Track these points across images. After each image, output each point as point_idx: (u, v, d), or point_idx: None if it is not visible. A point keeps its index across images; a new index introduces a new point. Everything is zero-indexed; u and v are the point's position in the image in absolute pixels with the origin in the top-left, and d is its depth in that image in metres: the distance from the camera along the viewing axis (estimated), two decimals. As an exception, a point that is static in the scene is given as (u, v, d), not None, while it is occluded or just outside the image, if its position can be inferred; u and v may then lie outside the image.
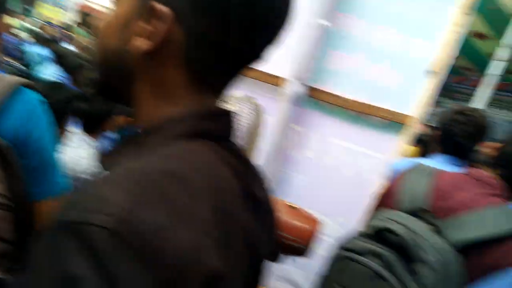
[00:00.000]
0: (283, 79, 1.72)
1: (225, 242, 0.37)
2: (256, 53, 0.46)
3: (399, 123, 1.71)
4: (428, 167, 1.26)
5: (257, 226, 0.46)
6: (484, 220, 1.03)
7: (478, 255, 1.03)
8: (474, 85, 5.91)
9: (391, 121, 1.72)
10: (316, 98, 1.78)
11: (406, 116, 1.68)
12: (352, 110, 1.74)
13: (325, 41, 1.74)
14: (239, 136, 1.13)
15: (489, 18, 7.57)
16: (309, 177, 1.83)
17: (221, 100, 0.48)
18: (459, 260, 1.03)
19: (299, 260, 1.35)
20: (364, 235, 1.14)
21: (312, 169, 1.82)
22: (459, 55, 9.29)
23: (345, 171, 1.80)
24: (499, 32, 6.38)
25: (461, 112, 1.45)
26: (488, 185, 1.09)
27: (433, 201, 1.15)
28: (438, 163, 1.48)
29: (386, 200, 1.30)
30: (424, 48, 1.62)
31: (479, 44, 9.18)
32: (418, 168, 1.27)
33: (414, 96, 1.66)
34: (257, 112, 1.26)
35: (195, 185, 0.36)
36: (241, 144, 0.51)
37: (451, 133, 1.44)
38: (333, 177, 1.79)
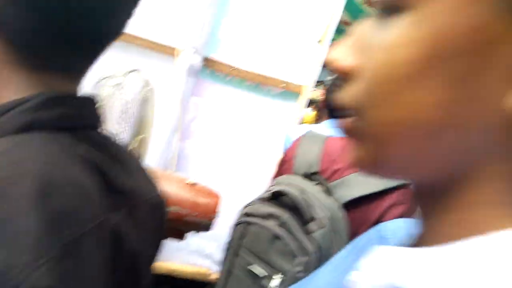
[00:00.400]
0: (178, 50, 1.64)
1: (66, 253, 0.32)
2: (111, 29, 0.40)
3: (295, 92, 1.81)
4: (319, 133, 1.36)
5: (125, 223, 0.42)
6: (363, 180, 1.17)
7: (361, 211, 1.17)
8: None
9: (286, 90, 1.80)
10: (212, 69, 1.75)
11: (300, 85, 1.78)
12: (249, 79, 1.77)
13: (220, 8, 1.70)
14: (121, 116, 1.06)
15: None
16: (209, 149, 1.83)
17: (78, 83, 0.43)
18: (345, 216, 1.16)
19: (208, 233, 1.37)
20: (262, 200, 1.21)
21: (211, 141, 1.82)
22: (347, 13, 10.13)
23: (245, 141, 1.85)
24: None
25: (341, 77, 1.58)
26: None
27: (323, 164, 1.26)
28: (327, 128, 1.62)
29: (283, 166, 1.38)
30: (306, 20, 1.70)
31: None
32: (309, 135, 1.37)
33: (306, 64, 1.76)
34: (146, 86, 1.19)
35: (14, 191, 0.31)
36: (109, 131, 0.46)
37: (332, 97, 1.56)
38: (233, 148, 1.83)
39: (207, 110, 1.79)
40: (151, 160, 1.54)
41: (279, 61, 1.76)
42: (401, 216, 1.13)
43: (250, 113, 1.83)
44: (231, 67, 1.74)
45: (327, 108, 1.69)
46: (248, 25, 1.73)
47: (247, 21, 1.72)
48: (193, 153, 1.83)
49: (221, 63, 1.74)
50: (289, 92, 1.81)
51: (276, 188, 1.20)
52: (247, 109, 1.82)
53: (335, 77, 1.62)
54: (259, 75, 1.77)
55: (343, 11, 1.70)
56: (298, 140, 1.37)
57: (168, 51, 1.62)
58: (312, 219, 1.14)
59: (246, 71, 1.75)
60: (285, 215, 1.15)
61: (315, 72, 1.76)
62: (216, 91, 1.78)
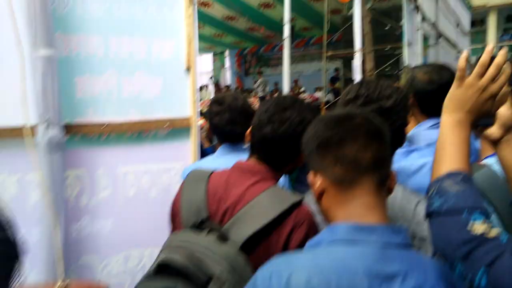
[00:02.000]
0: (25, 129, 1.41)
1: None
2: None
3: (183, 127, 1.64)
4: (201, 171, 1.20)
5: None
6: (255, 212, 1.03)
7: (264, 245, 1.02)
8: (281, 49, 6.61)
9: (172, 129, 1.63)
10: (81, 133, 1.54)
11: (183, 118, 1.62)
12: (128, 131, 1.58)
13: (64, 69, 1.49)
14: None
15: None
16: (111, 218, 1.61)
17: None
18: (246, 259, 1.00)
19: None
20: (149, 277, 1.02)
21: (110, 209, 1.61)
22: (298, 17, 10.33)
23: (148, 196, 1.65)
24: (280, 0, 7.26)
25: (216, 102, 1.46)
26: (251, 173, 1.08)
27: (211, 206, 1.10)
28: (220, 155, 1.47)
29: (174, 221, 1.21)
30: (171, 47, 1.56)
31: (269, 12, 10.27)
32: (192, 176, 1.20)
33: (181, 96, 1.61)
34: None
35: None
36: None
37: (214, 124, 1.44)
38: (137, 207, 1.63)
39: (91, 181, 1.57)
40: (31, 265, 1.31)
41: (151, 101, 1.59)
42: (307, 235, 1.00)
43: (143, 163, 1.64)
44: (101, 124, 1.54)
45: (214, 134, 1.54)
46: (105, 75, 1.55)
47: (101, 69, 1.54)
48: (93, 230, 1.60)
49: (88, 125, 1.54)
50: (178, 129, 1.64)
51: (162, 257, 1.02)
52: (138, 160, 1.63)
53: (213, 102, 1.48)
54: (136, 122, 1.58)
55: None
56: (181, 185, 1.20)
57: (14, 133, 1.39)
58: (210, 279, 0.97)
59: (120, 123, 1.56)
60: (178, 285, 0.97)
61: (194, 100, 1.61)
62: (94, 156, 1.57)
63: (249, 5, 9.50)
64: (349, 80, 6.40)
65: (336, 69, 11.10)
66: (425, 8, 5.39)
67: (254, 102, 12.24)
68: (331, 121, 0.78)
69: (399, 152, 1.25)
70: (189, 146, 1.63)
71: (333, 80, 11.00)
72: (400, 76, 6.81)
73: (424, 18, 5.38)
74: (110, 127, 1.55)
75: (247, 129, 1.16)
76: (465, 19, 9.93)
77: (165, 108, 1.61)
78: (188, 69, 1.58)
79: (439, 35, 6.52)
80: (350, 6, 6.20)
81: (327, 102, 9.40)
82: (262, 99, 11.59)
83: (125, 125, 1.56)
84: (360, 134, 0.73)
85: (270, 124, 1.04)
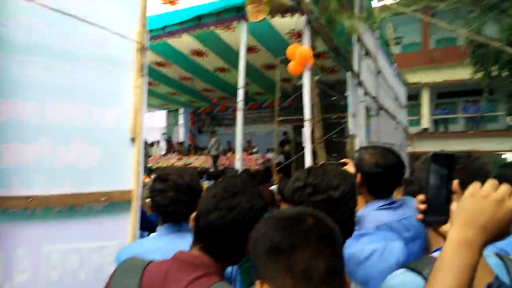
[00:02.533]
0: None
1: None
2: None
3: (122, 200, 1.51)
4: (137, 259, 1.07)
5: None
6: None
7: None
8: (235, 110, 6.76)
9: (110, 202, 1.50)
10: (1, 207, 1.36)
11: (123, 191, 1.50)
12: (57, 205, 1.42)
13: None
14: None
15: (225, 56, 8.93)
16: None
17: None
18: None
19: None
20: None
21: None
22: (251, 82, 10.67)
23: (75, 279, 1.45)
24: (235, 65, 7.61)
25: (159, 179, 1.36)
26: (193, 266, 0.97)
27: (145, 306, 0.96)
28: (162, 235, 1.35)
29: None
30: (113, 116, 1.49)
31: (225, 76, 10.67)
32: (126, 265, 1.07)
33: (123, 167, 1.50)
34: None
35: None
36: None
37: (157, 203, 1.33)
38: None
39: (7, 262, 1.36)
40: None
41: (89, 173, 1.47)
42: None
43: (73, 241, 1.46)
44: (27, 197, 1.38)
45: (158, 212, 1.43)
46: (38, 144, 1.42)
47: (33, 136, 1.41)
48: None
49: (10, 198, 1.36)
50: (116, 203, 1.51)
51: None
52: (67, 238, 1.45)
53: (156, 179, 1.39)
54: (67, 195, 1.43)
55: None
56: (111, 277, 1.05)
57: None
58: None
59: (48, 196, 1.41)
60: None
61: (138, 172, 1.51)
62: (14, 233, 1.38)
63: (205, 68, 9.80)
64: (299, 144, 6.62)
65: (285, 133, 11.52)
66: (366, 83, 5.89)
67: (207, 160, 12.20)
68: (281, 222, 0.72)
69: (348, 236, 1.23)
70: (129, 222, 1.49)
71: (282, 143, 11.34)
72: (346, 143, 7.16)
73: (366, 93, 5.84)
74: (37, 200, 1.38)
75: (194, 208, 1.08)
76: (402, 94, 11.00)
77: (103, 180, 1.48)
78: (133, 139, 1.50)
79: (380, 107, 7.09)
80: (300, 76, 6.62)
81: (279, 163, 9.63)
82: (215, 157, 11.54)
83: (54, 198, 1.41)
84: (312, 239, 0.68)
85: (217, 211, 0.97)
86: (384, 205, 1.39)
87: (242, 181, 1.06)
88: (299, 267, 0.66)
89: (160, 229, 1.37)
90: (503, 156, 15.37)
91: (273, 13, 5.34)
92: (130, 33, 1.50)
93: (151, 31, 7.36)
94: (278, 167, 8.58)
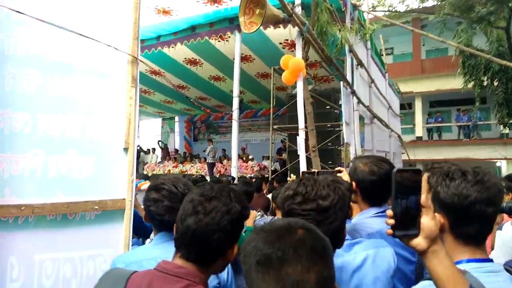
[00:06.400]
0: None
1: None
2: None
3: (116, 209, 1.54)
4: (120, 271, 1.08)
5: None
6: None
7: None
8: (230, 118, 6.80)
9: (103, 211, 1.52)
10: (-5, 216, 1.38)
11: (116, 200, 1.53)
12: (50, 213, 1.45)
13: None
14: None
15: (220, 65, 9.01)
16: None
17: None
18: None
19: None
20: None
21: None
22: (248, 91, 10.73)
23: (71, 286, 1.47)
24: (229, 74, 7.69)
25: (154, 188, 1.37)
26: (175, 277, 0.99)
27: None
28: (157, 243, 1.37)
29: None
30: (107, 127, 1.52)
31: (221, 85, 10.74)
32: (108, 276, 1.07)
33: (116, 176, 1.53)
34: None
35: None
36: None
37: (152, 212, 1.35)
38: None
39: (5, 272, 1.37)
40: None
41: (82, 182, 1.50)
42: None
43: (67, 250, 1.48)
44: (20, 206, 1.40)
45: (152, 222, 1.43)
46: (31, 154, 1.45)
47: (26, 146, 1.44)
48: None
49: (4, 206, 1.38)
50: (109, 211, 1.53)
51: None
52: (61, 247, 1.47)
53: (151, 188, 1.40)
54: (61, 204, 1.46)
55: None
56: (96, 286, 1.05)
57: None
58: None
59: (42, 204, 1.43)
60: None
61: (131, 181, 1.54)
62: (6, 242, 1.39)
63: (200, 76, 9.87)
64: (294, 152, 6.66)
65: (282, 141, 11.59)
66: (360, 93, 5.97)
67: (203, 168, 12.20)
68: (271, 234, 0.71)
69: (341, 245, 1.25)
70: (122, 230, 1.51)
71: (280, 151, 11.38)
72: (341, 151, 7.20)
73: (359, 102, 5.91)
74: (29, 209, 1.40)
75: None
76: (395, 103, 11.12)
77: (96, 189, 1.51)
78: (126, 149, 1.53)
79: (374, 116, 7.17)
80: (294, 85, 6.67)
81: (274, 171, 9.65)
82: (211, 165, 11.55)
83: (47, 207, 1.43)
84: (304, 252, 0.67)
85: (194, 215, 0.99)
86: (377, 213, 1.43)
87: (220, 186, 1.09)
88: (290, 280, 0.65)
89: (154, 237, 1.38)
90: (497, 164, 15.53)
91: (265, 24, 5.44)
92: (123, 46, 1.54)
93: (145, 40, 7.47)
94: (274, 175, 8.62)
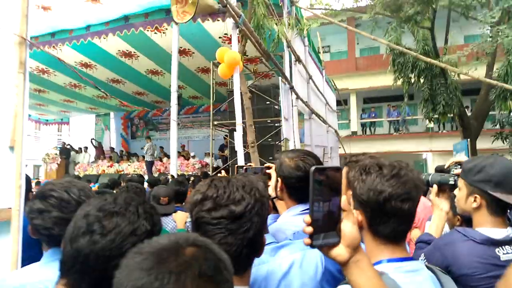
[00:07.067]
0: None
1: None
2: None
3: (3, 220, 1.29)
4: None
5: None
6: None
7: None
8: (170, 115, 6.51)
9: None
10: None
11: (7, 208, 1.28)
12: None
13: None
14: None
15: (157, 58, 8.59)
16: None
17: None
18: None
19: None
20: None
21: None
22: (189, 87, 10.23)
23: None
24: (168, 69, 7.35)
25: (40, 196, 1.13)
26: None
27: None
28: (47, 262, 1.14)
29: None
30: None
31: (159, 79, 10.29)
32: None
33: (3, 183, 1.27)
34: None
35: None
36: None
37: (36, 226, 1.11)
38: None
39: None
40: None
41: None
42: None
43: None
44: None
45: (41, 238, 1.20)
46: None
47: None
48: None
49: None
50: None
51: None
52: None
53: (36, 196, 1.18)
54: None
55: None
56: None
57: None
58: None
59: None
60: None
61: (19, 186, 1.30)
62: None
63: (136, 70, 9.35)
64: (234, 148, 6.60)
65: (225, 137, 11.46)
66: (298, 88, 6.03)
67: (141, 166, 11.63)
68: (150, 257, 0.56)
69: (265, 249, 1.13)
70: (8, 247, 1.24)
71: (222, 147, 11.25)
72: (281, 147, 7.27)
73: (298, 97, 5.98)
74: None
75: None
76: (332, 99, 11.53)
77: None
78: (12, 147, 1.26)
79: (312, 111, 7.32)
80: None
81: (217, 168, 9.50)
82: (149, 163, 11.05)
83: None
84: (189, 279, 0.53)
85: (88, 235, 0.79)
86: (304, 210, 1.34)
87: (127, 197, 0.87)
88: None
89: (44, 254, 1.14)
90: (423, 157, 16.89)
91: (201, 15, 5.25)
92: (7, 23, 1.27)
93: (73, 30, 6.87)
94: (214, 172, 8.47)
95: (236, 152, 6.96)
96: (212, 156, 9.40)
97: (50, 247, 1.12)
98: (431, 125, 14.42)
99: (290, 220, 1.37)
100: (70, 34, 6.93)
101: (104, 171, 11.98)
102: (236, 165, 1.94)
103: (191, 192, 0.94)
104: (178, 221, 2.48)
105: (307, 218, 0.71)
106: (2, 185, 1.26)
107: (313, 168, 0.71)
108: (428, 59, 6.12)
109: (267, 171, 1.68)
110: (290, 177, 1.33)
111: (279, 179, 1.38)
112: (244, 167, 1.69)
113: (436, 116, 9.74)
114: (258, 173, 1.80)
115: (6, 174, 1.27)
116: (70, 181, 1.17)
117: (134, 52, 8.27)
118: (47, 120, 15.48)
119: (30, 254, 1.20)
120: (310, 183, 0.70)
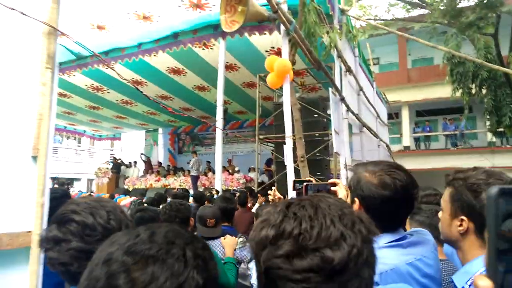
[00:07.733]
0: None
1: None
2: None
3: (12, 247, 1.11)
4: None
5: None
6: None
7: None
8: (215, 130, 6.47)
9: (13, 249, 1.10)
10: None
11: (17, 234, 1.08)
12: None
13: None
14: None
15: (204, 74, 8.68)
16: None
17: None
18: None
19: None
20: None
21: None
22: (233, 101, 10.31)
23: None
24: (214, 84, 7.37)
25: (58, 220, 0.90)
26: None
27: None
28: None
29: None
30: (9, 123, 1.10)
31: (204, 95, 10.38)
32: None
33: (18, 198, 1.09)
34: None
35: None
36: None
37: (51, 260, 0.91)
38: None
39: None
40: None
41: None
42: None
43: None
44: None
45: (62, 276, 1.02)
46: None
47: None
48: None
49: None
50: (4, 253, 1.12)
51: None
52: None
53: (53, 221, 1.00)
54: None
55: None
56: None
57: None
58: None
59: None
60: None
61: (41, 205, 1.14)
62: None
63: (184, 86, 9.53)
64: (282, 163, 6.36)
65: (272, 152, 11.25)
66: (348, 100, 5.70)
67: (186, 181, 11.73)
68: None
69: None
70: (24, 279, 1.02)
71: (269, 162, 11.02)
72: (329, 162, 6.90)
73: (348, 110, 5.64)
74: None
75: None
76: (383, 112, 10.95)
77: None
78: (35, 157, 1.09)
79: (363, 125, 6.91)
80: (280, 94, 6.35)
81: (262, 183, 9.26)
82: (194, 178, 11.10)
83: None
84: None
85: None
86: (391, 242, 1.04)
87: (169, 232, 0.59)
88: None
89: None
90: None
91: (248, 30, 5.15)
92: (35, 11, 1.10)
93: (125, 48, 7.11)
94: (260, 188, 8.25)
95: (281, 166, 6.71)
96: (257, 171, 9.19)
97: (71, 286, 0.92)
98: (494, 139, 13.21)
99: (380, 254, 1.07)
100: (123, 52, 7.17)
101: (151, 185, 12.22)
102: (292, 180, 1.68)
103: (255, 224, 0.62)
104: (227, 248, 2.23)
105: (484, 281, 0.40)
106: (20, 203, 1.06)
107: (496, 189, 0.39)
108: (495, 66, 5.53)
109: (332, 188, 1.40)
110: (373, 197, 1.04)
111: (356, 199, 1.09)
112: (305, 184, 1.43)
113: (501, 129, 8.85)
114: (321, 190, 1.53)
115: (25, 190, 1.06)
116: (98, 200, 0.94)
117: (182, 68, 8.41)
118: (101, 136, 16.29)
119: (54, 281, 1.01)
120: (490, 215, 0.40)
